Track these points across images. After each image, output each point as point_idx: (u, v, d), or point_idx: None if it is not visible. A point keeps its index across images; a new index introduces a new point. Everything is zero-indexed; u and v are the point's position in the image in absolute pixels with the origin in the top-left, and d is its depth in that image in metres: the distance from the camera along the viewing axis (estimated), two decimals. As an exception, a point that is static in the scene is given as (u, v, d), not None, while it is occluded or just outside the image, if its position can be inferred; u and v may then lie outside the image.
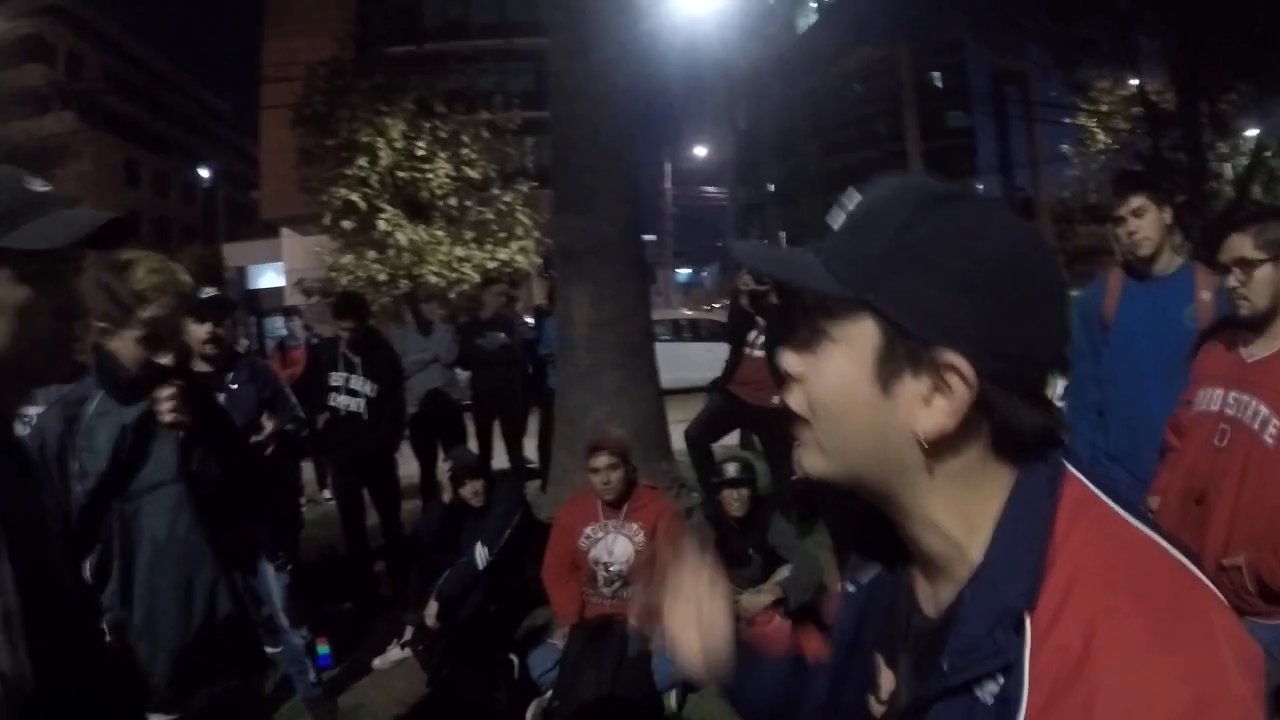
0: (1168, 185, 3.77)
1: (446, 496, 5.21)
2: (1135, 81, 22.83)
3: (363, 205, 22.07)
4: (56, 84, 43.14)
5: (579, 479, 5.24)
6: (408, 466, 7.36)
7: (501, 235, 23.74)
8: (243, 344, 7.20)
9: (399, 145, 22.09)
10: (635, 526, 4.61)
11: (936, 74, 49.47)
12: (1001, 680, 0.80)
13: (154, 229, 48.84)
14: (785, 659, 1.30)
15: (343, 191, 22.13)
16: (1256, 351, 2.81)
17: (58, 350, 1.43)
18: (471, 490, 5.09)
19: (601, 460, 4.56)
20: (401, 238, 22.07)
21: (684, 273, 55.82)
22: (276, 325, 14.47)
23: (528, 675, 4.55)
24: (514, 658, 4.69)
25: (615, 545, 4.60)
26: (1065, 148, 36.19)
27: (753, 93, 43.99)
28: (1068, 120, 33.63)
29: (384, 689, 4.89)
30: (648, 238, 41.04)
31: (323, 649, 4.92)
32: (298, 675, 4.53)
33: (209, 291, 4.47)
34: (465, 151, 23.17)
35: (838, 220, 0.91)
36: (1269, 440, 2.67)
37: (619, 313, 6.73)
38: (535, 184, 23.80)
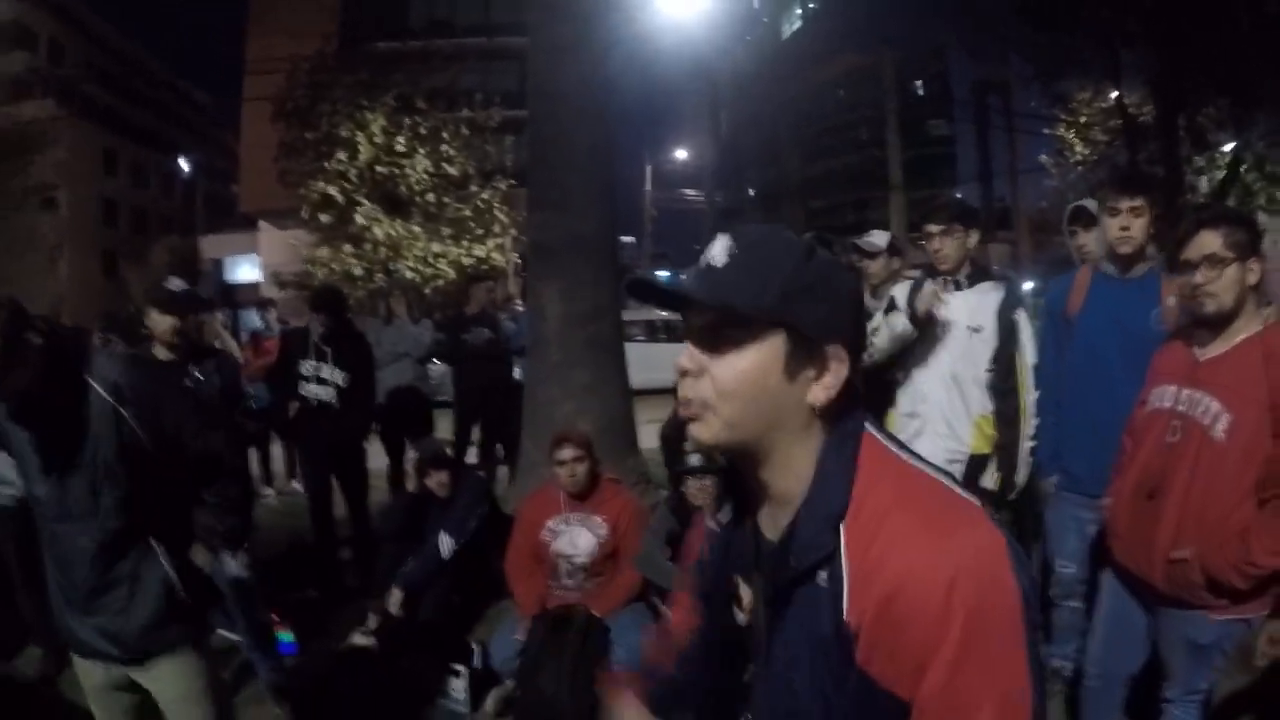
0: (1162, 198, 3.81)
1: (412, 486, 5.21)
2: (1115, 94, 22.98)
3: (341, 199, 22.02)
4: (38, 71, 42.84)
5: (545, 472, 5.24)
6: (377, 459, 7.36)
7: (479, 232, 23.75)
8: (218, 342, 7.12)
9: (379, 140, 22.04)
10: (599, 520, 4.62)
11: (919, 82, 49.60)
12: (829, 568, 1.19)
13: (131, 219, 48.50)
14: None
15: (321, 185, 22.06)
16: (1210, 350, 2.85)
17: None
18: (437, 481, 5.09)
19: (567, 452, 4.56)
20: (379, 232, 22.02)
21: (663, 275, 55.93)
22: (252, 318, 14.33)
23: (489, 664, 4.56)
24: (475, 647, 4.69)
25: (578, 538, 4.60)
26: (1044, 158, 36.38)
27: (736, 97, 44.04)
28: (1047, 131, 33.83)
29: (347, 676, 4.87)
30: (626, 239, 41.03)
31: (287, 636, 4.91)
32: (258, 660, 4.55)
33: (177, 284, 4.45)
34: (445, 148, 23.16)
35: (720, 259, 1.23)
36: (1220, 436, 2.71)
37: (591, 310, 6.72)
38: (513, 182, 23.75)
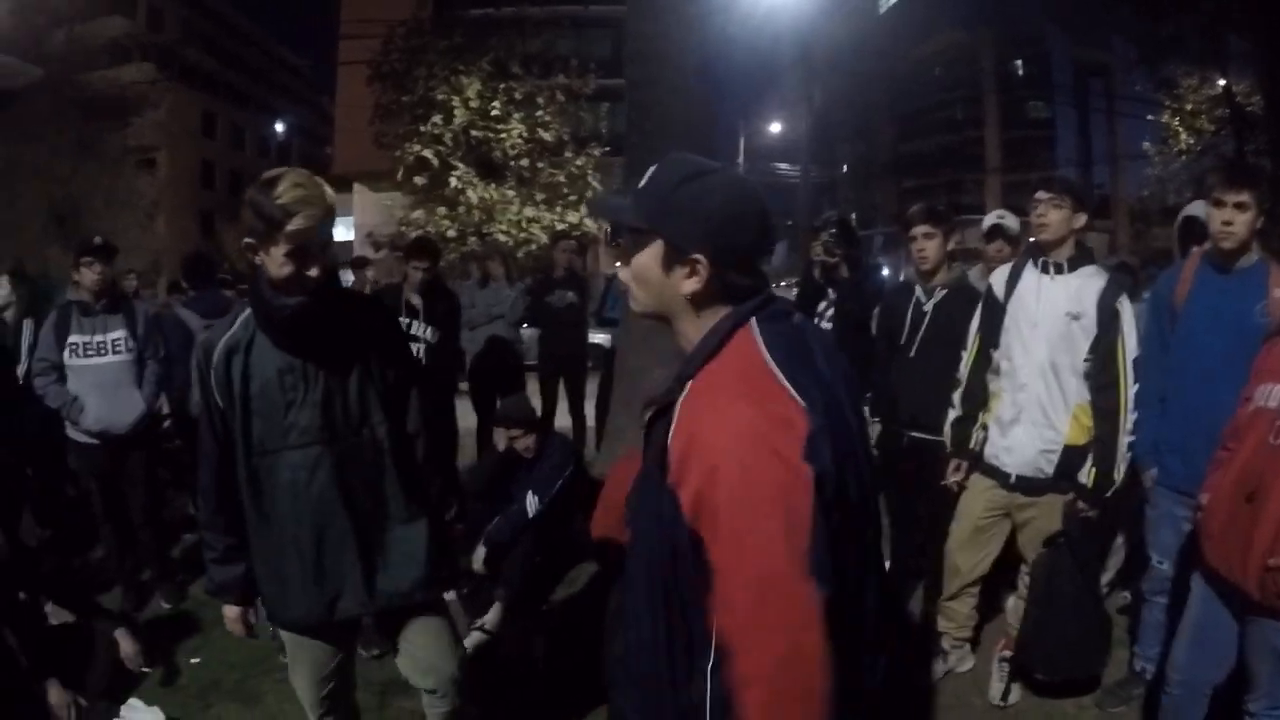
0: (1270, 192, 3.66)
1: (501, 445, 5.29)
2: (1222, 82, 22.26)
3: (435, 162, 22.26)
4: (137, 36, 43.73)
5: (633, 437, 5.28)
6: (467, 418, 7.47)
7: (572, 198, 23.80)
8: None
9: (474, 105, 22.22)
10: (685, 484, 4.63)
11: (1019, 63, 48.28)
12: (674, 410, 1.57)
13: (228, 180, 49.57)
14: None
15: (416, 148, 22.33)
16: (1320, 347, 2.77)
17: None
18: (524, 446, 5.16)
19: (656, 417, 4.57)
20: (473, 196, 22.25)
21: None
22: (347, 279, 14.49)
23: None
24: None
25: (665, 501, 4.62)
26: (1146, 145, 35.31)
27: (831, 71, 43.42)
28: (1150, 117, 32.85)
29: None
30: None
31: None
32: None
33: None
34: (540, 114, 23.28)
35: (643, 183, 1.66)
36: (1327, 438, 2.63)
37: (684, 276, 6.74)
38: (607, 149, 24.00)
